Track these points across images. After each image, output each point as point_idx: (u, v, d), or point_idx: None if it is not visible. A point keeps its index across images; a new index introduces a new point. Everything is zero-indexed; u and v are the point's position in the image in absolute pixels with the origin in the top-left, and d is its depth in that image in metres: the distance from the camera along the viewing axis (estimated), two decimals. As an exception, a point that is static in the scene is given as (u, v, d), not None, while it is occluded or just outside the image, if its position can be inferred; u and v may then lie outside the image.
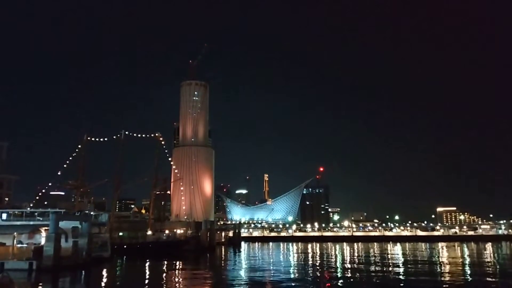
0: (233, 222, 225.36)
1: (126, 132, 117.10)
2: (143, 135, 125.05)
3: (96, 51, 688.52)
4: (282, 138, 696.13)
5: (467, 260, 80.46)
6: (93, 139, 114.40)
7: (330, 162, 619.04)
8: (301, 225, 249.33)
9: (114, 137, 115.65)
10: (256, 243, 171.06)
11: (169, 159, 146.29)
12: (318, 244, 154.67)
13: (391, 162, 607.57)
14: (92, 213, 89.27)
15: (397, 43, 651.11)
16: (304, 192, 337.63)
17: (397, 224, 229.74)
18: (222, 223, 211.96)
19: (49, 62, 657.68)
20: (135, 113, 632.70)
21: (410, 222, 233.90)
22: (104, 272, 63.21)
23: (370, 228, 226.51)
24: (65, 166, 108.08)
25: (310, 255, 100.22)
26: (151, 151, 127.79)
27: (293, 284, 47.39)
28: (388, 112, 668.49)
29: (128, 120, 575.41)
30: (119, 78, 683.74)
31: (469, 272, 60.35)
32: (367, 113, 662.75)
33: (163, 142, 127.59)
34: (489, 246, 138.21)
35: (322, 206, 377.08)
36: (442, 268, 65.57)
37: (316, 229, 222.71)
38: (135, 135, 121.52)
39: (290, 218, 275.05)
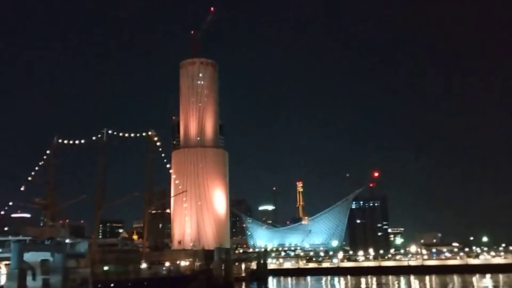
0: (257, 250, 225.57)
1: (110, 131, 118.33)
2: (132, 135, 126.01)
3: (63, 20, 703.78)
4: (319, 133, 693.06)
5: None
6: (65, 141, 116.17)
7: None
8: (351, 252, 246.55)
9: (94, 138, 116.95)
10: (289, 278, 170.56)
11: (167, 165, 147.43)
12: (375, 278, 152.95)
13: (476, 162, 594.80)
14: (67, 240, 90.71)
15: None
16: (353, 207, 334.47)
17: (485, 248, 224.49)
18: (241, 251, 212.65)
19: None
20: (121, 107, 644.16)
21: (504, 245, 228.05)
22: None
23: (447, 254, 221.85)
24: (30, 179, 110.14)
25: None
26: (143, 156, 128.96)
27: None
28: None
29: (112, 116, 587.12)
30: (99, 58, 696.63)
31: None
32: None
33: (158, 143, 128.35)
34: None
35: (379, 225, 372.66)
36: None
37: (371, 257, 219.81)
38: (121, 134, 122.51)
39: (335, 243, 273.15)
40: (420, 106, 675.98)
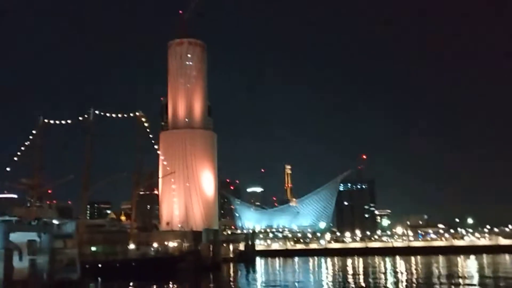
0: (245, 231, 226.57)
1: (96, 112, 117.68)
2: (119, 115, 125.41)
3: None
4: (308, 115, 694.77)
5: None
6: (51, 121, 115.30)
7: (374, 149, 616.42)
8: (338, 234, 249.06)
9: (80, 118, 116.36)
10: (277, 259, 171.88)
11: (155, 147, 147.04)
12: (361, 259, 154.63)
13: (460, 145, 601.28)
14: (54, 221, 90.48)
15: None
16: (341, 189, 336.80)
17: (470, 230, 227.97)
18: (229, 232, 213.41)
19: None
20: (107, 86, 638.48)
21: (488, 226, 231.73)
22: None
23: (433, 236, 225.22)
24: (15, 159, 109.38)
25: (350, 274, 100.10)
26: (131, 137, 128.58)
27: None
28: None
29: (99, 96, 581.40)
30: (85, 36, 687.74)
31: None
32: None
33: (146, 124, 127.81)
34: None
35: (366, 207, 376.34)
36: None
37: (358, 238, 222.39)
38: (108, 115, 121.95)
39: (323, 225, 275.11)
40: (411, 91, 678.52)
